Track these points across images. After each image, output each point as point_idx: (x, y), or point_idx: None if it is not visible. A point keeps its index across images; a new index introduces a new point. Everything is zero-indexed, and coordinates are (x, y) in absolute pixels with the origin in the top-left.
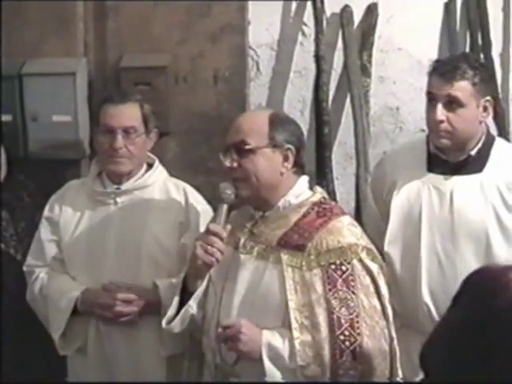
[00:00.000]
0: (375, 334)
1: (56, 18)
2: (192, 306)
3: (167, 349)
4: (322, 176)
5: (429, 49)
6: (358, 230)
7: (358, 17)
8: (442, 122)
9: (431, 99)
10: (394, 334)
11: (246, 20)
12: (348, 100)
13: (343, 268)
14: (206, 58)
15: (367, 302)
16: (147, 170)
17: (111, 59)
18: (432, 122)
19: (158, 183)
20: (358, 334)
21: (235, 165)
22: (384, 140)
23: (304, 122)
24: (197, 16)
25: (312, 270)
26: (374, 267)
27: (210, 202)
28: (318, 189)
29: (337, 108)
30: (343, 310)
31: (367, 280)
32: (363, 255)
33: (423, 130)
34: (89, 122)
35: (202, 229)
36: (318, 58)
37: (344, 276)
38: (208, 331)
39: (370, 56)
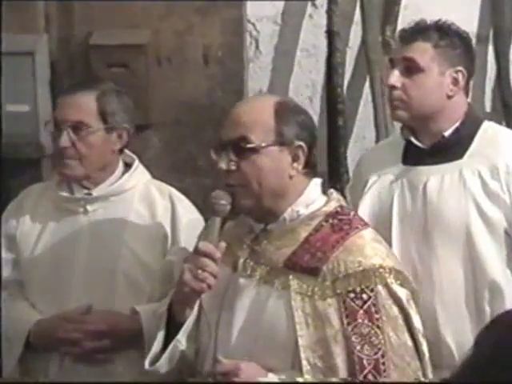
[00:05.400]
0: (406, 378)
1: None
2: (181, 340)
3: None
4: (335, 177)
5: (465, 20)
6: (383, 246)
7: None
8: (394, 87)
9: (391, 67)
10: (430, 376)
11: None
12: (367, 85)
13: (364, 296)
14: (195, 35)
15: (395, 338)
16: (125, 172)
17: (78, 36)
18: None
19: (137, 187)
20: (385, 378)
21: (233, 167)
22: None
23: (314, 111)
24: None
25: (326, 300)
26: (403, 294)
27: (199, 208)
28: (334, 194)
29: (354, 95)
30: (366, 348)
31: (394, 310)
32: (390, 280)
33: None
34: (51, 112)
35: (192, 242)
36: (330, 34)
37: (365, 306)
38: (201, 370)
39: (394, 31)
